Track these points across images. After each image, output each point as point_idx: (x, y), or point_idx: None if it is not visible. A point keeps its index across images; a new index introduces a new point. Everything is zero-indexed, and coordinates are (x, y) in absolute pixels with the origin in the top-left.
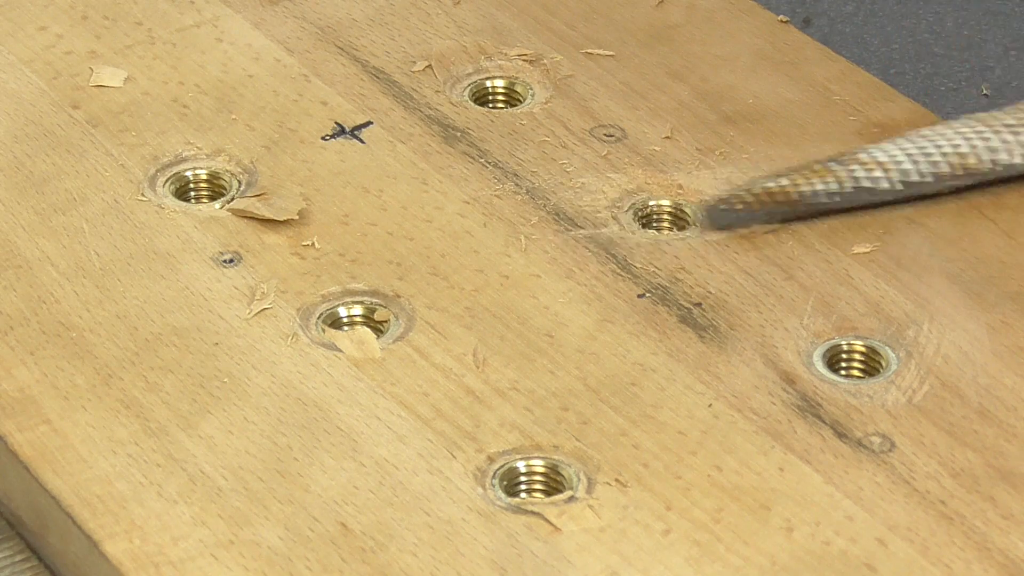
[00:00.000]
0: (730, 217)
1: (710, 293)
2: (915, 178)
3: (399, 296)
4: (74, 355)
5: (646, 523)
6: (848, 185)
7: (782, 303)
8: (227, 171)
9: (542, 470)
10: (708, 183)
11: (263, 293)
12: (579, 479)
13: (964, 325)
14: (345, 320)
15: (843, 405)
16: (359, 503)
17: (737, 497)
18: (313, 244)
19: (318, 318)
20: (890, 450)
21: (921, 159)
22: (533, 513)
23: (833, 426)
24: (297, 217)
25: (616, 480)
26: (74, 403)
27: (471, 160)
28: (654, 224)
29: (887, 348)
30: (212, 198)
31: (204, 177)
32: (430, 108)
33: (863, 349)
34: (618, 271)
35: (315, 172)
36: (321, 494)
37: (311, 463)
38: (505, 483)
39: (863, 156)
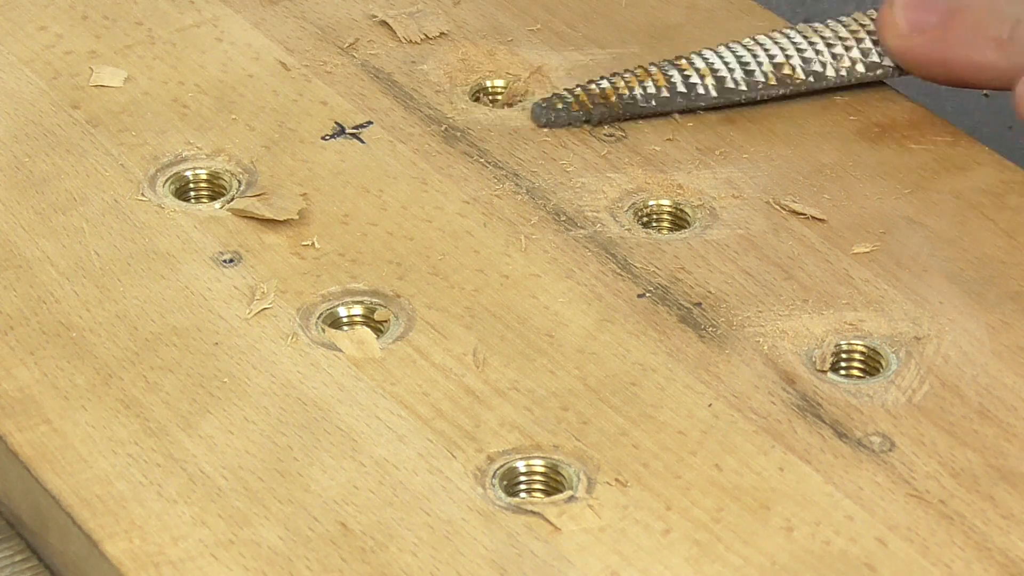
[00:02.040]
0: (552, 115)
1: (710, 293)
2: (730, 84)
3: (399, 296)
4: (74, 355)
5: (646, 523)
6: (665, 89)
7: (782, 303)
8: (227, 171)
9: (542, 470)
10: (708, 183)
11: (263, 293)
12: (579, 479)
13: (964, 325)
14: (345, 320)
15: (843, 405)
16: (359, 503)
17: (737, 497)
18: (313, 244)
19: (318, 318)
20: (890, 450)
21: (738, 67)
22: (533, 513)
23: (833, 426)
24: (297, 217)
25: (616, 480)
26: (74, 403)
27: (471, 160)
28: (654, 224)
29: (887, 348)
30: (212, 198)
31: (204, 177)
32: (430, 108)
33: (863, 349)
34: (618, 271)
35: (315, 172)
36: (321, 494)
37: (311, 463)
38: (505, 483)
39: (683, 61)
